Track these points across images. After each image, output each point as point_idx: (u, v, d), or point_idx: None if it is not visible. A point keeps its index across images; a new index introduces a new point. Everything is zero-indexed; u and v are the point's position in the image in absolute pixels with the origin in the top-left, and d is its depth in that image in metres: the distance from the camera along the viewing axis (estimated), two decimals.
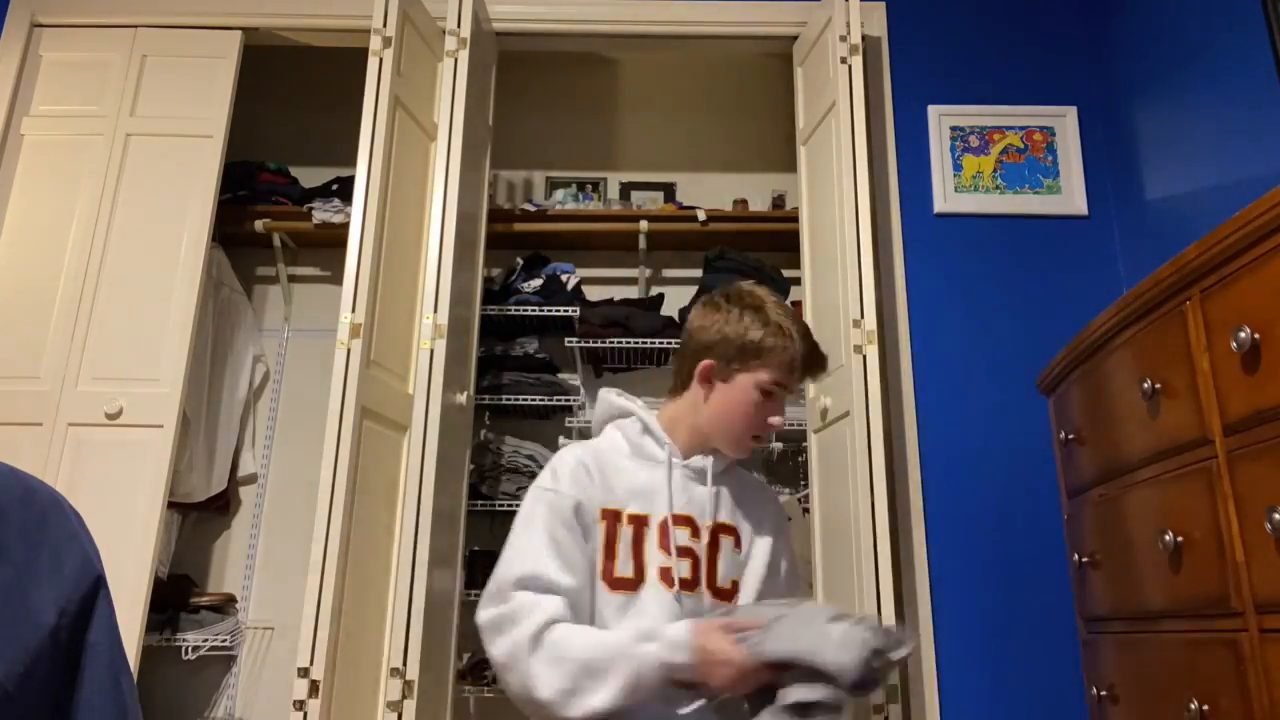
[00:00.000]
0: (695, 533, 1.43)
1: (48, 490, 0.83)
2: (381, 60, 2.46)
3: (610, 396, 1.57)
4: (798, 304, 2.91)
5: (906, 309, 2.64)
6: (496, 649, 1.29)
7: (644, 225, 3.16)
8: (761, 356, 1.44)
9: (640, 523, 1.41)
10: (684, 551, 1.41)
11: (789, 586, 1.53)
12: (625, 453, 1.48)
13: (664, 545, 1.40)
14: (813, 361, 1.47)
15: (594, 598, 1.37)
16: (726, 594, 1.44)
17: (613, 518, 1.41)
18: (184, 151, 2.71)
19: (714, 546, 1.44)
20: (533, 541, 1.35)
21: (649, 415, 1.51)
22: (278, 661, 2.98)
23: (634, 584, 1.38)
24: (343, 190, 3.11)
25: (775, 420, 1.46)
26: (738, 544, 1.47)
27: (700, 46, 3.05)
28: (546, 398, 3.03)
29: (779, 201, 3.31)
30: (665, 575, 1.38)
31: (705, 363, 1.47)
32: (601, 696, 1.24)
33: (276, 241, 3.22)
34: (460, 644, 2.60)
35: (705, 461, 1.49)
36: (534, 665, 1.25)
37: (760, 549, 1.49)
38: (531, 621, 1.27)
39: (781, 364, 1.44)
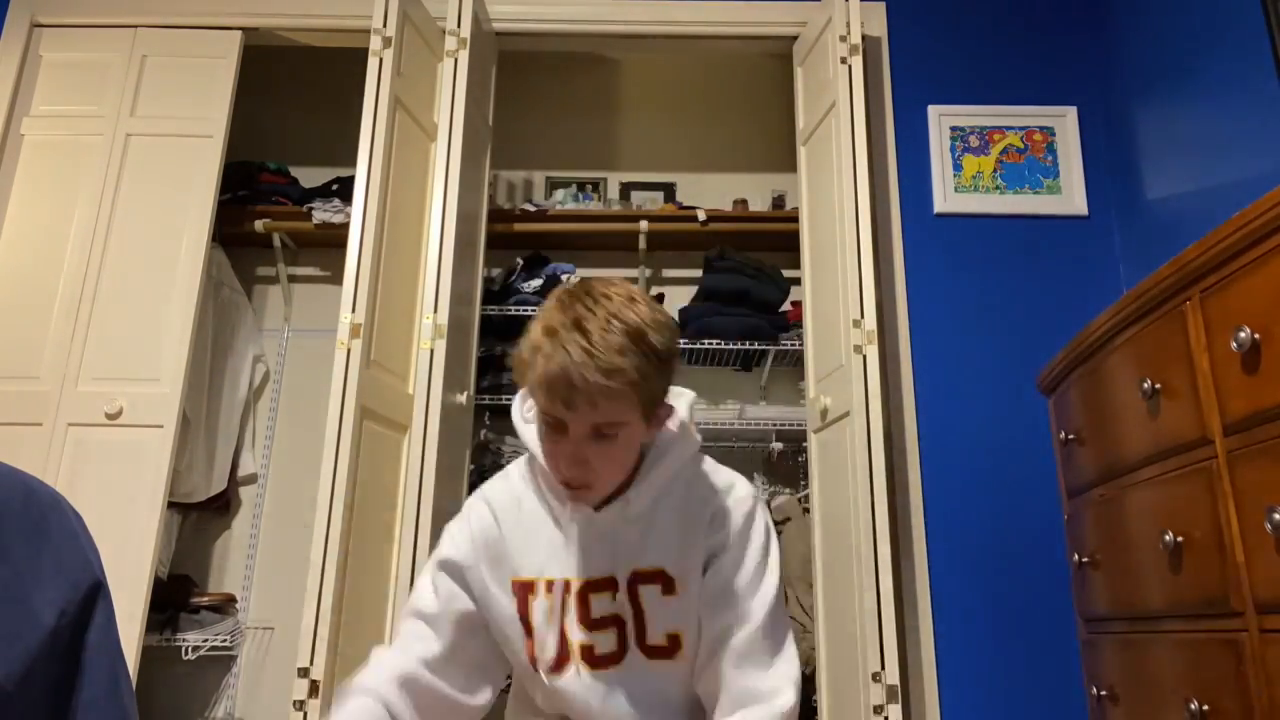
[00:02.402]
0: (616, 592, 1.16)
1: (48, 490, 0.83)
2: (381, 60, 2.46)
3: (518, 422, 1.22)
4: (797, 304, 2.91)
5: (906, 309, 2.64)
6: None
7: (644, 225, 3.16)
8: (523, 375, 1.09)
9: (562, 589, 1.16)
10: (608, 621, 1.16)
11: (716, 605, 1.16)
12: (537, 500, 1.21)
13: (583, 619, 1.16)
14: (551, 381, 1.03)
15: (528, 676, 1.20)
16: (665, 651, 1.17)
17: (524, 590, 1.17)
18: (184, 151, 2.71)
19: (635, 600, 1.16)
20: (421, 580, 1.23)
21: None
22: (278, 661, 2.98)
23: (560, 663, 1.16)
24: (343, 190, 3.11)
25: (561, 464, 1.09)
26: (668, 588, 1.16)
27: (700, 46, 3.05)
28: None
29: (779, 201, 3.31)
30: (587, 655, 1.16)
31: None
32: None
33: (276, 241, 3.22)
34: None
35: (615, 510, 1.16)
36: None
37: (696, 581, 1.17)
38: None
39: (534, 384, 1.06)
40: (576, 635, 1.16)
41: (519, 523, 1.20)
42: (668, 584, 1.17)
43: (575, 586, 1.16)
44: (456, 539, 1.22)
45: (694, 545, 1.18)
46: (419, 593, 1.22)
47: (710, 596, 1.17)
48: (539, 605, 1.17)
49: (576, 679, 1.16)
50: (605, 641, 1.16)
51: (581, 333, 1.02)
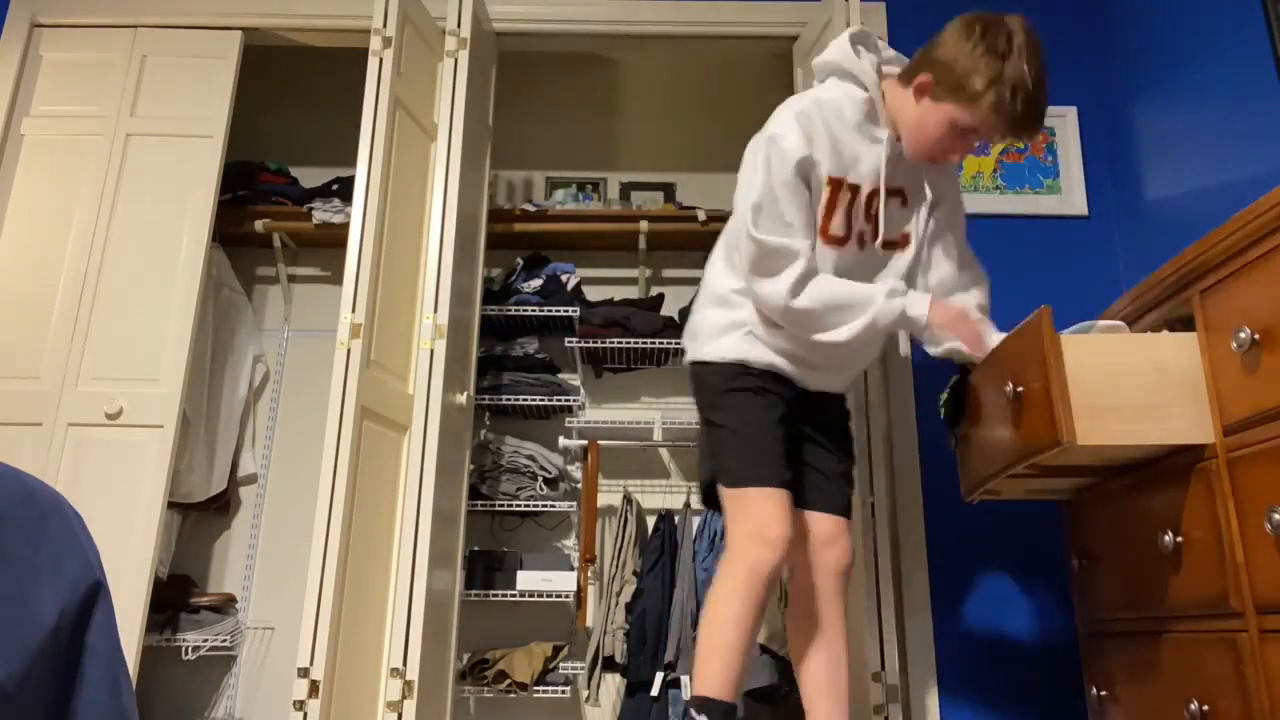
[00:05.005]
0: (874, 199, 1.65)
1: (48, 491, 0.83)
2: (381, 60, 2.46)
3: (846, 50, 1.69)
4: None
5: None
6: (761, 289, 1.61)
7: (644, 225, 3.16)
8: (969, 99, 1.54)
9: (854, 191, 1.64)
10: (871, 217, 1.66)
11: (960, 257, 1.82)
12: (850, 124, 1.64)
13: (868, 215, 1.65)
14: (1018, 127, 1.57)
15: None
16: (895, 244, 1.71)
17: (836, 185, 1.63)
18: (184, 151, 2.71)
19: (871, 206, 1.66)
20: (765, 183, 1.63)
21: (878, 95, 1.66)
22: (278, 661, 2.98)
23: (843, 241, 1.65)
24: (343, 190, 3.11)
25: (953, 158, 1.66)
26: (904, 202, 1.70)
27: (700, 46, 3.05)
28: (546, 398, 3.03)
29: None
30: (860, 238, 1.67)
31: (923, 77, 1.61)
32: (850, 326, 1.59)
33: (276, 241, 3.22)
34: (460, 644, 2.60)
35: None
36: (799, 302, 1.57)
37: (925, 210, 1.72)
38: (791, 271, 1.57)
39: (982, 118, 1.55)
40: (860, 224, 1.67)
41: (829, 129, 1.64)
42: (904, 200, 1.72)
43: (864, 191, 1.66)
44: (786, 139, 1.62)
45: (927, 186, 1.77)
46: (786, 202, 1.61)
47: (960, 247, 1.88)
48: (842, 197, 1.65)
49: (853, 252, 1.68)
50: (867, 230, 1.71)
51: (1033, 87, 1.56)
